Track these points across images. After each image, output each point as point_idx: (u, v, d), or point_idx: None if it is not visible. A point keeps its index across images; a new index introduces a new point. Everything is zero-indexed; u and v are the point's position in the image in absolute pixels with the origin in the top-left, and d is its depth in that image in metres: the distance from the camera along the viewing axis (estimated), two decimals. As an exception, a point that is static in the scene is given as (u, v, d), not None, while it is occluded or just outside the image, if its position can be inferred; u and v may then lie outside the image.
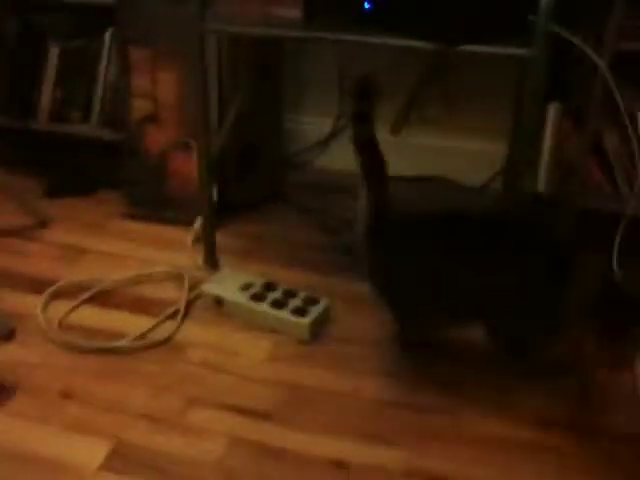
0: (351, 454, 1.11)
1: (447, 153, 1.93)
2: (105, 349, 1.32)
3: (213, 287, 1.46)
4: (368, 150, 1.25)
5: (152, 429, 1.15)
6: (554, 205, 1.57)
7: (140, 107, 1.75)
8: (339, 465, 1.10)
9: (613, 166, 1.50)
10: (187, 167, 1.73)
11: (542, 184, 1.56)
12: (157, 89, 1.73)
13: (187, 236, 1.68)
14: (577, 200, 1.54)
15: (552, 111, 1.50)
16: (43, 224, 1.73)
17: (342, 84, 1.93)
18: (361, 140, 1.24)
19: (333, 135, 2.01)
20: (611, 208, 1.52)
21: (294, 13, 1.42)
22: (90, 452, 1.11)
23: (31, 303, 1.44)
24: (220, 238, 1.61)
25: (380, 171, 1.27)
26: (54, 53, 1.89)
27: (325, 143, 2.03)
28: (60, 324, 1.39)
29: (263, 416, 1.19)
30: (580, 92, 1.50)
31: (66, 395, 1.22)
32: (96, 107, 1.88)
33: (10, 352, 1.31)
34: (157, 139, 1.75)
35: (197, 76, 1.44)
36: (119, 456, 1.10)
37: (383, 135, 1.96)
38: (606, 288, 1.21)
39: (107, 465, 1.09)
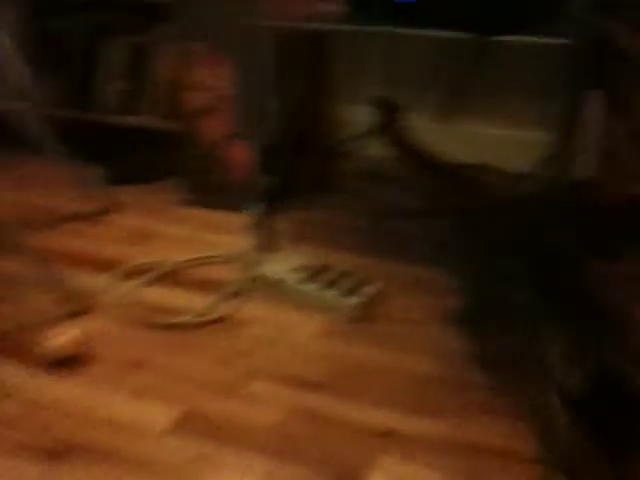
0: (398, 424, 1.19)
1: (491, 140, 1.98)
2: (171, 324, 1.43)
3: (269, 268, 1.55)
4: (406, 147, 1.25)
5: (215, 397, 1.26)
6: (597, 192, 1.62)
7: (197, 98, 1.85)
8: (386, 433, 1.18)
9: (656, 153, 1.53)
10: (242, 156, 1.82)
11: (583, 170, 1.61)
12: (214, 81, 1.83)
13: (243, 221, 1.77)
14: (621, 187, 1.58)
15: (596, 99, 1.54)
16: (110, 210, 1.85)
17: (389, 73, 2.00)
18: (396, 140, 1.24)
19: (380, 124, 2.08)
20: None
21: (337, 8, 1.49)
22: (160, 417, 1.22)
23: (103, 282, 1.56)
24: (275, 223, 1.70)
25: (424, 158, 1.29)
26: (119, 48, 2.01)
27: (372, 132, 2.10)
28: (129, 301, 1.51)
29: (316, 387, 1.28)
30: (623, 80, 1.53)
31: (136, 365, 1.34)
32: (157, 99, 1.99)
33: (84, 326, 1.43)
34: (213, 129, 1.85)
35: (251, 69, 1.53)
36: (187, 421, 1.21)
37: (428, 123, 2.04)
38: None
39: (176, 429, 1.19)
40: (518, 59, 1.85)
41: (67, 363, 1.33)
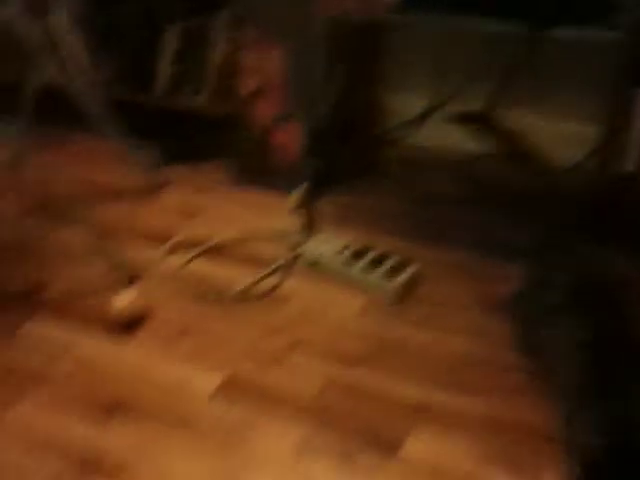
0: (435, 400, 1.23)
1: (539, 133, 1.99)
2: (217, 296, 1.49)
3: (312, 248, 1.60)
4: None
5: (258, 366, 1.31)
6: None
7: (248, 83, 1.90)
8: (424, 408, 1.21)
9: None
10: (290, 139, 1.87)
11: (630, 165, 1.61)
12: (265, 65, 1.87)
13: (289, 202, 1.82)
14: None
15: (645, 94, 1.55)
16: (162, 187, 1.92)
17: (438, 64, 2.02)
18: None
19: (427, 113, 2.10)
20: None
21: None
22: (205, 382, 1.28)
23: (151, 254, 1.63)
24: (319, 205, 1.75)
25: None
26: (172, 32, 2.07)
27: (419, 121, 2.13)
28: (178, 273, 1.57)
29: (356, 362, 1.32)
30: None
31: (183, 332, 1.40)
32: (209, 82, 2.05)
33: (136, 295, 1.49)
34: (263, 112, 1.90)
35: (303, 55, 1.57)
36: (230, 386, 1.26)
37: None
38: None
39: (220, 393, 1.25)
40: (570, 52, 1.85)
41: (120, 328, 1.39)
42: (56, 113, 2.08)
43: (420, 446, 1.14)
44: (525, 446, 1.14)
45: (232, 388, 1.26)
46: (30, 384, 1.28)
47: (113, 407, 1.22)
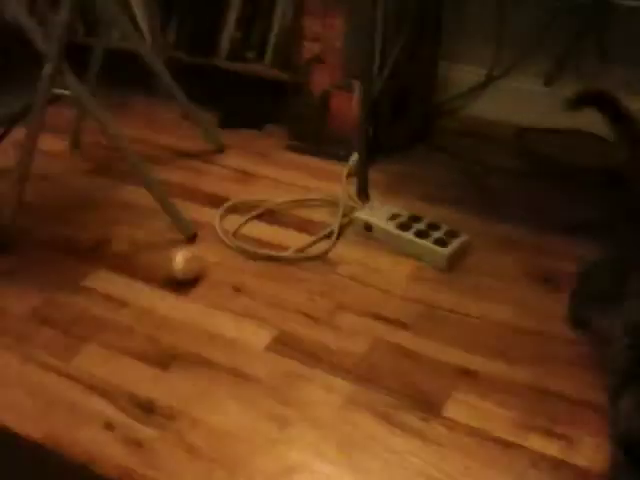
0: (478, 366, 1.26)
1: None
2: (270, 257, 1.54)
3: (364, 214, 1.63)
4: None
5: (307, 324, 1.36)
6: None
7: (309, 49, 1.92)
8: (467, 373, 1.25)
9: None
10: (347, 107, 1.89)
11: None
12: (326, 33, 1.89)
13: (343, 169, 1.85)
14: None
15: None
16: (220, 150, 1.97)
17: (499, 36, 2.00)
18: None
19: (485, 85, 2.10)
20: None
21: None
22: (257, 336, 1.34)
23: (209, 215, 1.69)
24: (372, 173, 1.77)
25: None
26: (237, -2, 2.10)
27: (476, 92, 2.12)
28: (233, 233, 1.63)
29: (401, 325, 1.36)
30: None
31: (237, 289, 1.46)
32: (269, 48, 2.08)
33: (193, 253, 1.56)
34: (322, 80, 1.92)
35: (364, 23, 1.59)
36: (280, 342, 1.32)
37: (536, 86, 2.04)
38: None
39: (271, 347, 1.31)
40: (635, 25, 1.81)
41: (177, 284, 1.47)
42: (119, 77, 2.16)
43: (460, 409, 1.18)
44: (564, 415, 1.16)
45: (283, 344, 1.32)
46: (94, 332, 1.36)
47: (170, 356, 1.30)
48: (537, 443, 1.12)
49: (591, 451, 1.10)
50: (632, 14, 1.71)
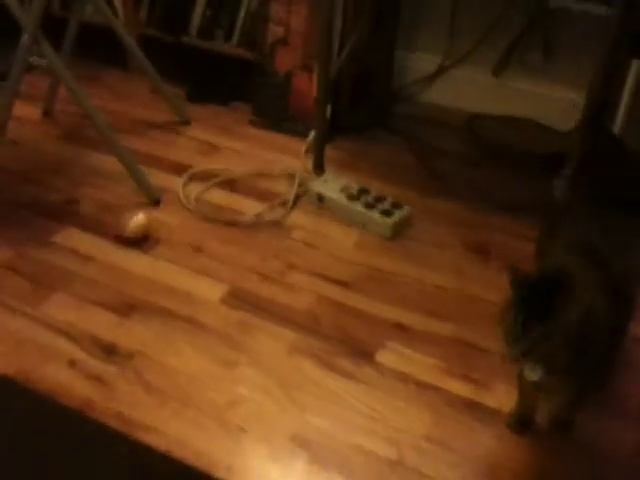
0: (410, 320, 1.41)
1: (541, 98, 2.11)
2: (229, 221, 1.67)
3: (317, 186, 1.76)
4: None
5: (260, 281, 1.49)
6: (630, 150, 1.75)
7: (274, 32, 2.05)
8: (400, 327, 1.39)
9: (685, 120, 1.66)
10: (308, 87, 2.02)
11: (619, 131, 1.74)
12: (291, 17, 2.01)
13: (301, 145, 1.98)
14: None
15: (634, 67, 1.67)
16: (186, 123, 2.08)
17: (452, 28, 2.14)
18: None
19: (438, 73, 2.24)
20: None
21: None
22: (213, 290, 1.47)
23: (173, 182, 1.81)
24: (330, 150, 1.91)
25: None
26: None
27: (431, 80, 2.26)
28: (195, 199, 1.75)
29: (344, 285, 1.50)
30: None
31: (196, 249, 1.58)
32: (237, 29, 2.19)
33: (156, 215, 1.67)
34: (285, 60, 2.04)
35: (324, 8, 1.71)
36: (234, 296, 1.45)
37: (485, 76, 2.19)
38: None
39: (225, 300, 1.44)
40: (575, 22, 1.96)
41: (140, 242, 1.58)
42: (93, 50, 2.25)
43: (390, 356, 1.32)
44: (481, 365, 1.31)
45: (234, 298, 1.45)
46: (61, 283, 1.48)
47: (131, 306, 1.42)
48: (454, 386, 1.27)
49: (501, 395, 1.25)
50: (570, 14, 1.86)
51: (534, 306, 1.00)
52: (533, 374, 1.08)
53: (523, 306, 1.00)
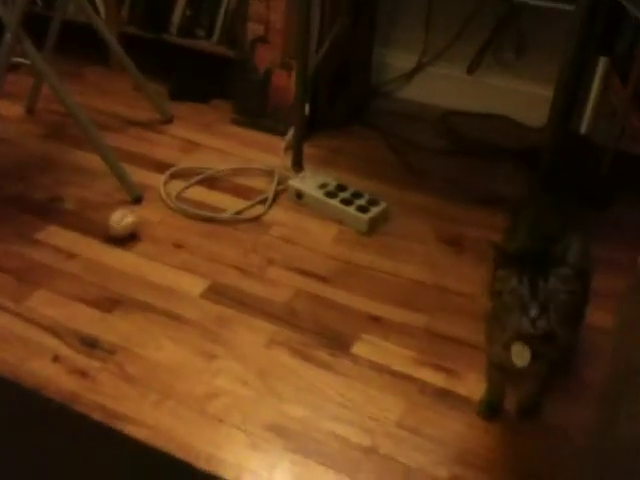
0: (385, 313, 1.46)
1: (514, 94, 2.17)
2: (209, 218, 1.71)
3: (296, 183, 1.80)
4: None
5: (239, 276, 1.53)
6: (595, 146, 1.81)
7: (254, 30, 2.08)
8: (375, 319, 1.44)
9: (651, 117, 1.72)
10: (287, 84, 2.05)
11: (586, 127, 1.79)
12: (270, 15, 2.05)
13: (280, 143, 2.02)
14: (616, 144, 1.77)
15: (601, 64, 1.72)
16: (168, 121, 2.12)
17: (428, 26, 2.19)
18: None
19: (415, 70, 2.28)
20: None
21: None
22: (193, 286, 1.50)
23: (155, 179, 1.84)
24: (306, 147, 1.94)
25: None
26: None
27: (408, 77, 2.30)
28: (176, 196, 1.78)
29: (322, 279, 1.54)
30: (626, 49, 1.71)
31: (177, 246, 1.62)
32: (218, 27, 2.23)
33: (137, 212, 1.70)
34: (265, 58, 2.08)
35: (301, 6, 1.74)
36: (214, 291, 1.49)
37: (460, 73, 2.23)
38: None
39: (205, 295, 1.48)
40: (547, 21, 2.01)
41: (123, 239, 1.62)
42: (75, 48, 2.28)
43: (366, 347, 1.37)
44: (452, 355, 1.37)
45: (216, 292, 1.49)
46: (44, 279, 1.51)
47: (113, 301, 1.46)
48: (427, 375, 1.32)
49: (472, 383, 1.30)
50: (542, 12, 1.90)
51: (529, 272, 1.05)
52: (520, 360, 1.12)
53: (523, 272, 1.05)
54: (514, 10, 2.03)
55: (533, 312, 1.04)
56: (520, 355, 1.12)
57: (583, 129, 1.81)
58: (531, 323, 1.05)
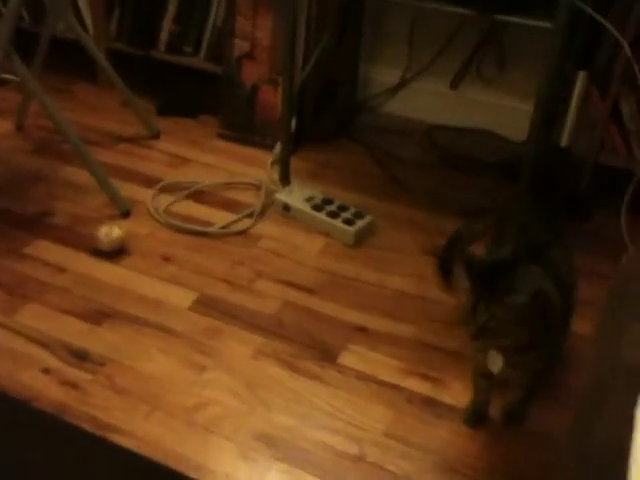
0: (371, 324, 1.48)
1: (496, 109, 2.21)
2: (197, 231, 1.73)
3: (283, 196, 1.83)
4: None
5: (228, 289, 1.55)
6: (575, 159, 1.85)
7: (240, 46, 2.11)
8: (361, 329, 1.47)
9: (628, 130, 1.76)
10: (273, 100, 2.09)
11: (566, 140, 1.84)
12: (256, 31, 2.08)
13: (268, 157, 2.04)
14: (595, 157, 1.81)
15: (580, 78, 1.77)
16: (156, 136, 2.14)
17: (412, 42, 2.23)
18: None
19: (400, 86, 2.32)
20: (624, 167, 1.79)
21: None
22: (181, 298, 1.52)
23: (143, 194, 1.86)
24: (293, 161, 1.97)
25: None
26: (176, -5, 2.27)
27: (393, 92, 2.34)
28: (164, 210, 1.80)
29: (309, 291, 1.56)
30: (605, 64, 1.75)
31: (166, 259, 1.64)
32: (205, 43, 2.26)
33: (126, 226, 1.72)
34: (251, 74, 2.11)
35: (287, 23, 1.78)
36: (202, 303, 1.51)
37: (443, 89, 2.27)
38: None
39: (193, 308, 1.50)
40: (528, 37, 2.06)
41: (112, 252, 1.63)
42: (64, 65, 2.30)
43: (353, 358, 1.39)
44: (438, 364, 1.39)
45: (204, 305, 1.51)
46: (35, 293, 1.52)
47: (103, 314, 1.47)
48: (414, 385, 1.34)
49: (457, 392, 1.33)
50: (522, 28, 1.95)
51: (487, 289, 1.06)
52: (495, 366, 1.16)
53: (475, 289, 1.08)
54: (496, 27, 2.08)
55: (472, 329, 1.08)
56: (494, 362, 1.16)
57: (563, 142, 1.86)
58: (472, 339, 1.09)
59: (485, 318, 1.06)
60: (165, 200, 1.84)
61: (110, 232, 1.63)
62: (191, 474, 1.16)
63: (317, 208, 1.78)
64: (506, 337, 1.10)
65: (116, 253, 1.63)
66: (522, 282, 1.06)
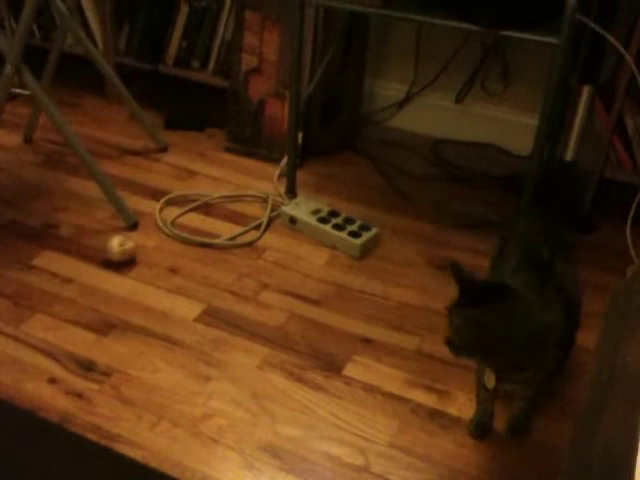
0: (376, 335, 1.48)
1: (501, 123, 2.23)
2: (204, 243, 1.74)
3: (290, 209, 1.84)
4: None
5: (233, 300, 1.56)
6: (579, 173, 1.86)
7: (247, 61, 2.14)
8: (367, 341, 1.47)
9: (633, 143, 1.77)
10: (280, 114, 2.11)
11: (571, 154, 1.85)
12: (263, 47, 2.11)
13: (274, 170, 2.06)
14: (600, 171, 1.82)
15: (585, 93, 1.78)
16: (163, 149, 2.16)
17: (417, 57, 2.25)
18: None
19: (405, 100, 2.34)
20: (629, 181, 1.80)
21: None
22: (188, 310, 1.53)
23: (151, 206, 1.87)
24: (300, 174, 1.99)
25: None
26: (184, 10, 2.30)
27: (398, 106, 2.36)
28: (172, 223, 1.81)
29: (315, 303, 1.57)
30: (609, 78, 1.77)
31: (173, 271, 1.65)
32: (212, 58, 2.29)
33: (134, 238, 1.74)
34: (258, 88, 2.13)
35: (294, 38, 1.80)
36: (209, 315, 1.52)
37: (448, 103, 2.29)
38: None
39: (200, 319, 1.50)
40: (532, 52, 2.08)
41: (122, 263, 1.64)
42: (73, 79, 2.33)
43: (358, 369, 1.39)
44: (443, 376, 1.39)
45: (211, 316, 1.51)
46: (41, 304, 1.53)
47: (110, 325, 1.48)
48: (418, 396, 1.34)
49: (462, 404, 1.33)
50: (526, 43, 1.97)
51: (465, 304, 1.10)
52: (488, 384, 1.18)
53: (458, 299, 1.11)
54: (500, 41, 2.10)
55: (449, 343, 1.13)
56: (487, 378, 1.19)
57: (568, 156, 1.87)
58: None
59: (451, 331, 1.11)
60: (172, 212, 1.86)
61: (124, 242, 1.64)
62: (196, 484, 1.16)
63: (323, 221, 1.79)
64: (485, 355, 1.12)
65: (125, 264, 1.64)
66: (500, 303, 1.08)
